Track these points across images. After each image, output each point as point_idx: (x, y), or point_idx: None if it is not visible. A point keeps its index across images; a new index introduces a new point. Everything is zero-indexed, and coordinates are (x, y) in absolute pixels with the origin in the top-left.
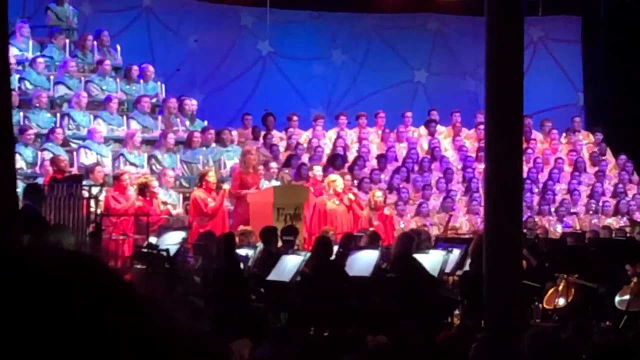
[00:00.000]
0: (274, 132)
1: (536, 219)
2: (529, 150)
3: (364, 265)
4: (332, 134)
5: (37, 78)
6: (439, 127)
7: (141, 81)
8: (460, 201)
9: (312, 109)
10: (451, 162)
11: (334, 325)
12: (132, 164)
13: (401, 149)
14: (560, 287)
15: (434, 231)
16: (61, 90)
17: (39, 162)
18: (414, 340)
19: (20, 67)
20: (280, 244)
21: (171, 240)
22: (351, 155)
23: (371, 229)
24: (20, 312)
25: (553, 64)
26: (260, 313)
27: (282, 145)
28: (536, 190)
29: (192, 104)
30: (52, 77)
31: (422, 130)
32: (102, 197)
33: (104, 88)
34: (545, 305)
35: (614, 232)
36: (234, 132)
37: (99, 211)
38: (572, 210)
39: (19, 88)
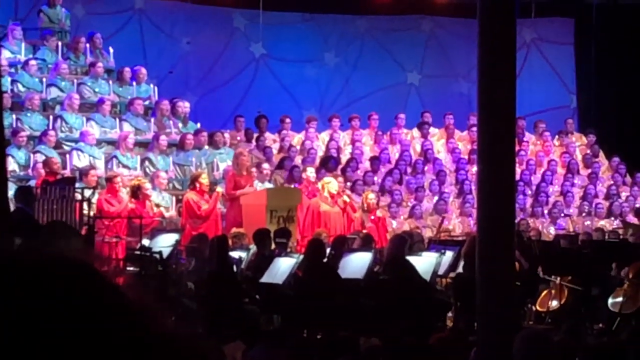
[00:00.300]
0: (267, 134)
1: (529, 221)
2: (522, 152)
3: (357, 268)
4: (325, 136)
5: (29, 80)
6: (432, 129)
7: (134, 83)
8: (453, 203)
9: (305, 111)
10: (444, 164)
11: (327, 327)
12: (124, 166)
13: (394, 151)
14: (553, 290)
15: (427, 233)
16: (54, 92)
17: (31, 165)
18: (406, 342)
19: (12, 70)
20: (273, 246)
21: (164, 243)
22: (344, 158)
23: (364, 231)
24: (7, 316)
25: (546, 66)
26: (253, 315)
27: (275, 148)
28: (529, 192)
29: (184, 106)
30: (44, 80)
31: (415, 132)
32: (94, 200)
33: (97, 90)
34: (538, 308)
35: (607, 234)
36: (227, 135)
37: (91, 214)
38: (565, 213)
39: (12, 90)
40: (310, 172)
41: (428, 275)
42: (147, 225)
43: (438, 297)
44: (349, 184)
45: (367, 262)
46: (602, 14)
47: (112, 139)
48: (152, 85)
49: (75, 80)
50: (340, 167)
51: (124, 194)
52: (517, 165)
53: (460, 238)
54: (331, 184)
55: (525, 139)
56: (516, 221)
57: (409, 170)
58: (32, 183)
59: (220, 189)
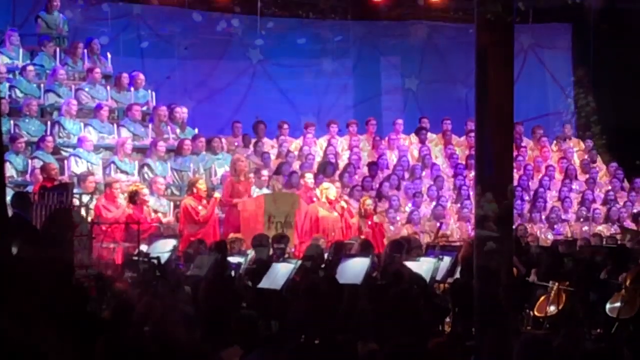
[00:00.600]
0: (265, 140)
1: (527, 227)
2: (520, 158)
3: (355, 273)
4: (322, 141)
5: (27, 86)
6: (430, 135)
7: (131, 89)
8: (451, 208)
9: (303, 117)
10: (442, 169)
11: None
12: (123, 171)
13: (392, 157)
14: (551, 295)
15: (425, 239)
16: (51, 98)
17: (29, 170)
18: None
19: (10, 75)
20: (271, 251)
21: (162, 248)
22: (342, 163)
23: (362, 236)
24: None
25: (543, 71)
26: (251, 320)
27: (273, 153)
28: (527, 197)
29: (182, 111)
30: (42, 85)
31: (413, 137)
32: (92, 206)
33: (94, 96)
34: (536, 313)
35: (604, 240)
36: (224, 140)
37: (89, 219)
38: (563, 218)
39: (9, 96)
40: (309, 178)
41: (426, 280)
42: (145, 231)
43: (436, 302)
44: (346, 189)
45: (365, 267)
46: (599, 19)
47: (109, 144)
48: (149, 91)
49: (72, 86)
50: (338, 172)
51: (122, 199)
52: (514, 170)
53: (457, 243)
54: (329, 189)
55: (523, 145)
56: (514, 226)
57: (406, 175)
58: (30, 189)
59: (217, 194)
